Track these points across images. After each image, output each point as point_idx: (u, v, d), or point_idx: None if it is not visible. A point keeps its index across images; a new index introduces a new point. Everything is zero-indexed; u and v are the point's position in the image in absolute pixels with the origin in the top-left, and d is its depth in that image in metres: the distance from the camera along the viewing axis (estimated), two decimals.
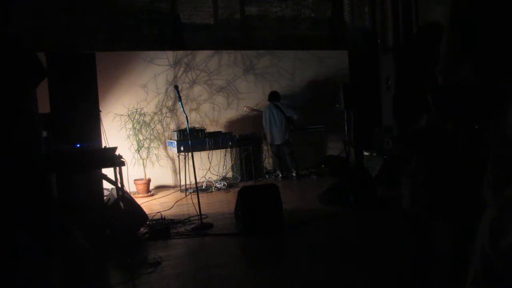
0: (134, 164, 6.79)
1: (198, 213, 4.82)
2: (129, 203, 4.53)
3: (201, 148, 6.93)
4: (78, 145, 4.32)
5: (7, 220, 2.27)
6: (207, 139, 6.98)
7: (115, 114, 6.88)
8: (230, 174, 7.72)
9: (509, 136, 0.85)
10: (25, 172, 2.33)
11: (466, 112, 0.96)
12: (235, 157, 7.65)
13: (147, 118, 7.14)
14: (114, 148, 4.15)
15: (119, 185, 4.19)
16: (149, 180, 6.90)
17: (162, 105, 7.40)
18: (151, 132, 7.17)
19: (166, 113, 7.43)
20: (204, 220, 4.85)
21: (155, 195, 6.80)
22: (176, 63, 7.53)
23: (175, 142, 6.75)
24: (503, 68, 0.86)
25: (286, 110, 7.56)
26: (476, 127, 0.99)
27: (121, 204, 4.31)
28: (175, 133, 6.89)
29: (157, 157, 7.24)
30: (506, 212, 0.86)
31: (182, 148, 6.69)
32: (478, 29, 0.88)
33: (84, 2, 7.20)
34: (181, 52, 7.60)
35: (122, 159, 4.15)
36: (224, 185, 7.11)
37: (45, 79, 3.97)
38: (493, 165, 0.92)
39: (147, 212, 4.84)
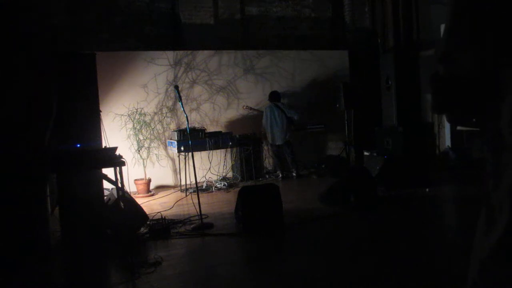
0: (134, 164, 6.79)
1: (198, 213, 4.82)
2: (129, 203, 4.53)
3: (201, 148, 6.93)
4: (78, 145, 4.32)
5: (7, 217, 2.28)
6: (207, 139, 6.97)
7: (115, 114, 6.88)
8: (230, 174, 7.72)
9: (503, 135, 0.85)
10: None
11: (464, 104, 0.95)
12: (235, 157, 7.65)
13: (147, 118, 7.14)
14: (114, 148, 4.15)
15: (119, 185, 4.19)
16: (149, 180, 6.90)
17: (162, 105, 7.40)
18: (151, 132, 7.17)
19: (166, 113, 7.43)
20: (204, 220, 4.85)
21: (155, 195, 6.80)
22: (176, 63, 7.53)
23: (175, 142, 6.75)
24: (504, 58, 0.84)
25: (287, 110, 7.53)
26: (474, 120, 0.97)
27: (121, 204, 4.31)
28: (175, 133, 6.89)
29: (157, 157, 7.24)
30: (497, 208, 0.86)
31: (182, 148, 6.69)
32: (479, 17, 0.87)
33: (85, 2, 7.21)
34: (181, 52, 7.59)
35: (122, 159, 4.15)
36: (224, 185, 7.11)
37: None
38: (488, 163, 0.91)
39: (147, 212, 4.85)
